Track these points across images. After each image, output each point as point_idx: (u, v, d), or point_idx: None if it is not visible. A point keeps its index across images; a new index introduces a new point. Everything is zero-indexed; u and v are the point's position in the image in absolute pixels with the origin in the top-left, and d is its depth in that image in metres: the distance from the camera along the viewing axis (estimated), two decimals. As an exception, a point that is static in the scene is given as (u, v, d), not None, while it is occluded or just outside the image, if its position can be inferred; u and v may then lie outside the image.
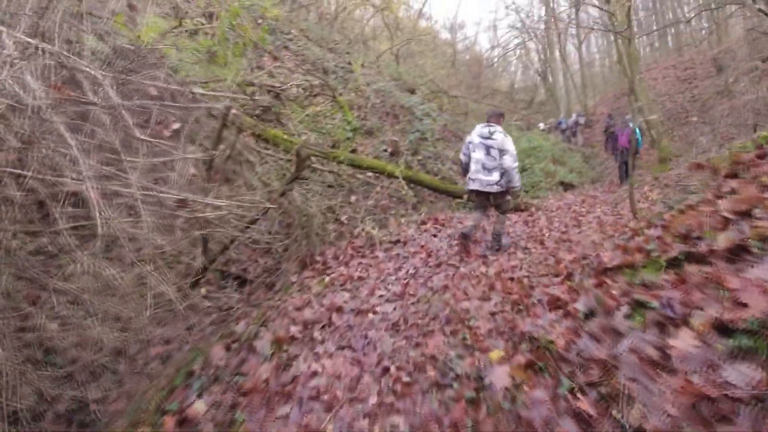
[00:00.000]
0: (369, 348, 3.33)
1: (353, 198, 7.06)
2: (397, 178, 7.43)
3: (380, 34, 22.51)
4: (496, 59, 32.30)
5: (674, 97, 19.70)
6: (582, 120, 22.36)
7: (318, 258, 5.72)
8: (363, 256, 5.65)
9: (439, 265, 5.27)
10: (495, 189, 5.60)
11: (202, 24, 9.90)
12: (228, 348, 3.56)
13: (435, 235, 6.59)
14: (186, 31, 8.88)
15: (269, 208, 4.59)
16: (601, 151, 19.31)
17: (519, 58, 34.45)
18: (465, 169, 5.90)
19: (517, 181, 5.68)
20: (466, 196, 8.08)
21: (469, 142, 5.77)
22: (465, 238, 5.74)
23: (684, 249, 2.75)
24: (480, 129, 5.74)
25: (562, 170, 13.70)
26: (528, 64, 34.57)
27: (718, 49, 19.82)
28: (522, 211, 8.57)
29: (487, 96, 20.89)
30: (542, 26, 27.73)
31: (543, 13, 28.45)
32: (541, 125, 22.54)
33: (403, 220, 7.08)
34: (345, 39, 17.25)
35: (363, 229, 6.23)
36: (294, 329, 3.64)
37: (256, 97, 8.29)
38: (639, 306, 2.52)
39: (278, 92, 9.83)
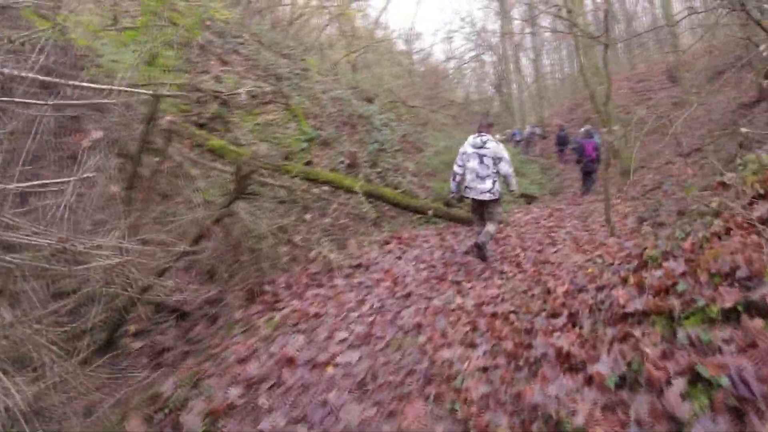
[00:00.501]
0: (330, 420, 2.55)
1: (308, 216, 6.26)
2: (356, 193, 6.70)
3: (336, 43, 21.85)
4: (451, 71, 32.09)
5: (630, 108, 19.67)
6: (538, 131, 22.31)
7: (268, 288, 4.91)
8: (320, 285, 4.87)
9: (408, 296, 4.55)
10: (488, 197, 5.72)
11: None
12: (150, 419, 2.75)
13: (400, 257, 5.88)
14: (122, 30, 7.97)
15: (190, 249, 3.76)
16: (556, 162, 19.18)
17: (474, 70, 34.33)
18: (458, 181, 6.00)
19: (515, 185, 5.99)
20: (430, 212, 7.43)
21: (463, 153, 5.92)
22: (480, 248, 5.71)
23: (741, 297, 2.11)
24: (473, 140, 5.87)
25: (524, 182, 13.24)
26: (483, 75, 34.50)
27: (675, 60, 19.97)
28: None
29: (445, 106, 20.41)
30: (498, 38, 27.62)
31: (498, 25, 28.37)
32: (498, 136, 22.26)
33: (364, 240, 6.34)
34: (300, 46, 16.46)
35: (319, 253, 5.46)
36: (234, 393, 2.84)
37: (194, 95, 7.46)
38: (698, 380, 1.86)
39: (226, 99, 8.99)
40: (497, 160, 5.69)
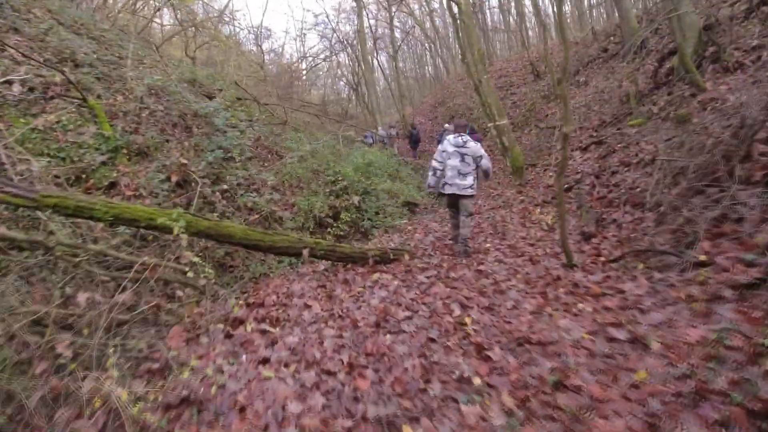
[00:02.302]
0: None
1: (84, 295, 3.24)
2: (176, 235, 3.81)
3: (174, 34, 17.99)
4: (305, 70, 29.49)
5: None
6: (394, 132, 20.93)
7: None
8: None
9: None
10: (469, 192, 5.93)
11: None
12: None
13: (265, 360, 3.11)
14: None
15: None
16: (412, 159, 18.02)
17: (329, 70, 31.94)
18: (438, 176, 6.08)
19: (491, 173, 6.33)
20: (306, 252, 4.73)
21: (443, 151, 6.04)
22: (466, 251, 5.89)
23: None
24: (454, 139, 6.00)
25: (405, 187, 10.93)
26: (340, 74, 32.19)
27: (537, 55, 19.04)
28: (391, 262, 5.42)
29: (304, 106, 17.69)
30: (355, 36, 25.47)
31: (355, 23, 26.21)
32: (362, 139, 20.00)
33: (198, 323, 3.47)
34: (120, 30, 12.72)
35: (101, 383, 2.54)
36: None
37: None
38: None
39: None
40: (478, 158, 5.93)
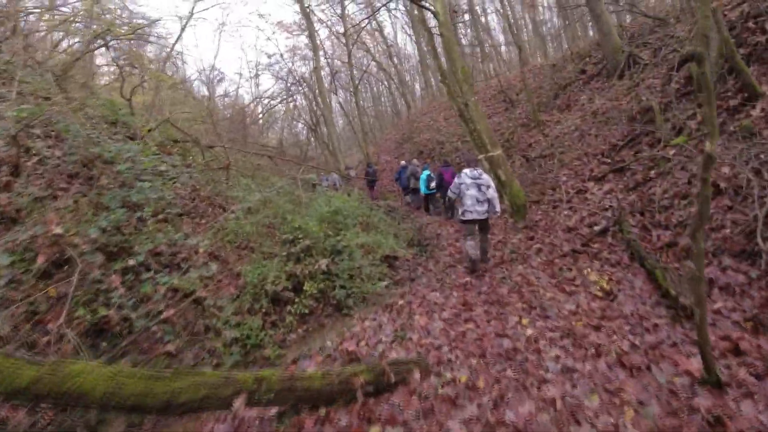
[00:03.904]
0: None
1: None
2: None
3: (105, 74, 15.63)
4: (261, 113, 27.43)
5: (465, 136, 16.54)
6: (353, 173, 19.54)
7: None
8: None
9: None
10: (485, 216, 6.49)
11: None
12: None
13: None
14: None
15: None
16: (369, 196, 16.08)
17: (287, 112, 29.88)
18: (451, 204, 7.65)
19: (498, 207, 6.58)
20: (237, 404, 2.49)
21: (461, 183, 6.53)
22: (475, 263, 6.48)
23: None
24: (470, 172, 6.55)
25: (383, 238, 8.72)
26: (297, 115, 30.17)
27: (506, 83, 17.48)
28: (392, 389, 3.20)
29: (260, 148, 15.53)
30: (311, 74, 23.69)
31: (311, 62, 24.49)
32: (325, 182, 17.87)
33: None
34: (31, 66, 10.35)
35: None
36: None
37: None
38: None
39: None
40: (488, 187, 6.44)
